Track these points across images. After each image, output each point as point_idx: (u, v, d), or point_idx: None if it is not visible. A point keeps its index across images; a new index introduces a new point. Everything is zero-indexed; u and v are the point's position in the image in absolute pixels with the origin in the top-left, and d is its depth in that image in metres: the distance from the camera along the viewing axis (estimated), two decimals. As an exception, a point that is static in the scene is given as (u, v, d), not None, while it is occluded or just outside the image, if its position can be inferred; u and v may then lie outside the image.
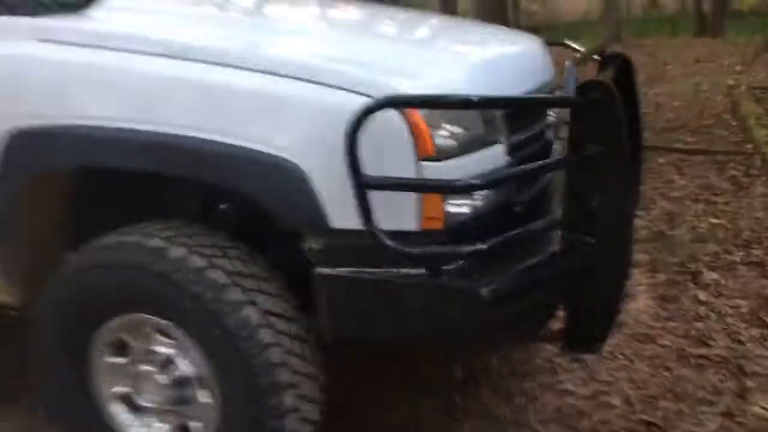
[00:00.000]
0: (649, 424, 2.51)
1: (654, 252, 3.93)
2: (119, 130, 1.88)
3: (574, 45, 2.74)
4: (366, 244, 1.74)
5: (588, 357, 2.84)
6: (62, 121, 1.93)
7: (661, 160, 5.73)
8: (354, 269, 1.80)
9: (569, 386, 2.74)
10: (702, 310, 3.30)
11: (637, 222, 3.94)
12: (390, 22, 2.66)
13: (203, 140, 1.78)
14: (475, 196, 1.86)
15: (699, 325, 3.16)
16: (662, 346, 3.01)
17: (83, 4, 2.12)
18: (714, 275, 3.65)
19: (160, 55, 1.91)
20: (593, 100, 1.82)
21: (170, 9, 2.34)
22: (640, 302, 3.41)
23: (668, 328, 3.15)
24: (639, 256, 3.81)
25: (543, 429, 2.51)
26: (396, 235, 1.72)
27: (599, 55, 2.48)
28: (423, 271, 1.77)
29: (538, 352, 2.94)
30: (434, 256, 1.76)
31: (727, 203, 4.70)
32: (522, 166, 1.94)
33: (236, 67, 1.82)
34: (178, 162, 1.84)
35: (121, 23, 2.08)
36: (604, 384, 2.76)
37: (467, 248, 1.74)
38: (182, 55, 1.87)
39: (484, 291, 1.75)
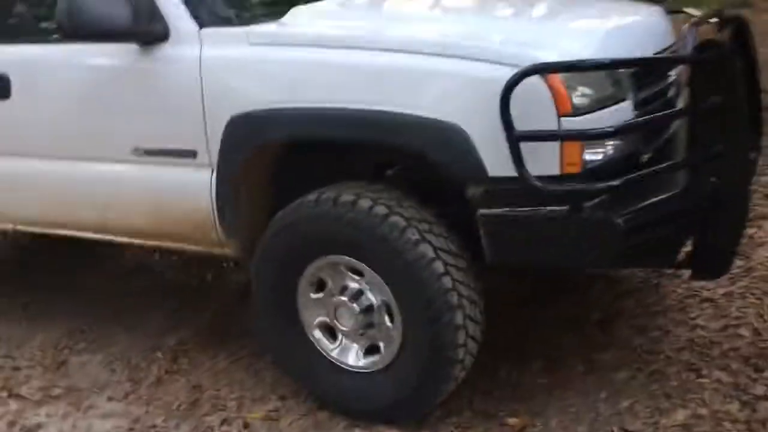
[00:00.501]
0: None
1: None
2: (319, 108, 2.40)
3: (691, 11, 3.02)
4: (517, 187, 2.17)
5: (718, 295, 3.11)
6: (273, 105, 2.47)
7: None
8: (508, 209, 2.22)
9: (700, 321, 3.02)
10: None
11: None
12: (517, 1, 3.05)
13: (386, 112, 2.26)
14: (606, 145, 2.23)
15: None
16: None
17: (275, 16, 2.67)
18: None
19: (347, 48, 2.42)
20: (708, 58, 2.15)
21: (342, 14, 2.86)
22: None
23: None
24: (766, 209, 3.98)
25: (676, 356, 2.82)
26: (541, 179, 2.14)
27: (717, 18, 2.76)
28: (565, 207, 2.16)
29: (669, 294, 3.24)
30: (574, 194, 2.15)
31: None
32: (645, 117, 2.29)
33: (409, 52, 2.29)
34: (366, 130, 2.34)
35: (310, 27, 2.61)
36: (734, 319, 3.02)
37: (601, 185, 2.13)
38: (367, 46, 2.37)
39: (619, 221, 2.13)
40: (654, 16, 2.83)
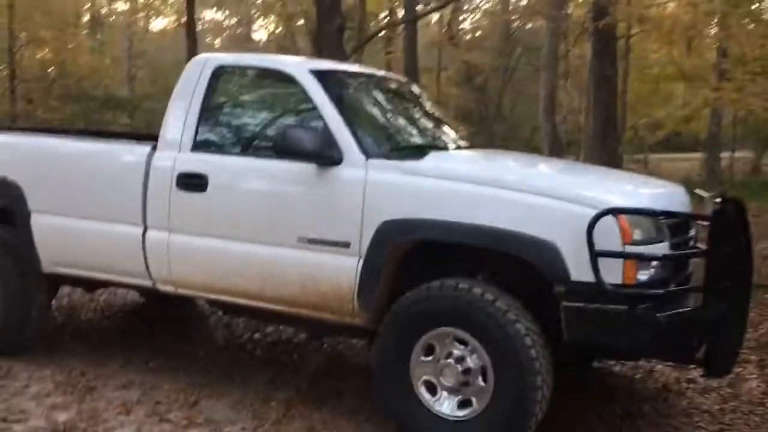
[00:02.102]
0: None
1: (760, 350, 5.12)
2: (444, 221, 3.46)
3: (701, 192, 4.22)
4: (592, 289, 3.18)
5: (714, 409, 4.05)
6: (413, 215, 3.53)
7: (767, 296, 6.88)
8: (584, 303, 3.23)
9: (702, 425, 3.95)
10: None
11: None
12: (583, 166, 4.24)
13: (505, 230, 3.32)
14: (651, 268, 3.28)
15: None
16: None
17: (420, 156, 3.80)
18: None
19: (470, 182, 3.52)
20: (726, 211, 3.26)
21: (464, 158, 4.03)
22: (753, 383, 4.59)
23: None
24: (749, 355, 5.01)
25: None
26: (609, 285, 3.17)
27: (720, 197, 3.91)
28: (625, 306, 3.18)
29: (677, 404, 4.18)
30: (632, 297, 3.17)
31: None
32: (677, 252, 3.37)
33: (520, 191, 3.40)
34: (486, 239, 3.38)
35: (445, 165, 3.75)
36: (726, 425, 3.95)
37: (650, 292, 3.16)
38: (488, 183, 3.48)
39: (661, 318, 3.14)
40: (678, 188, 4.00)
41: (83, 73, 19.82)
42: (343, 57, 9.75)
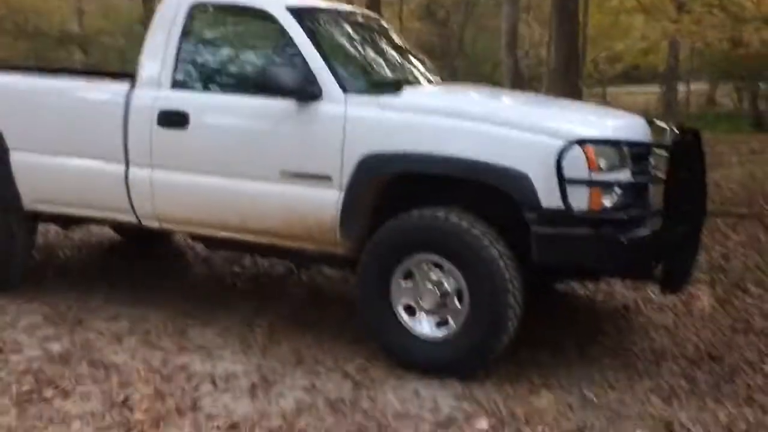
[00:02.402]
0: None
1: (711, 272, 5.50)
2: (422, 154, 3.63)
3: (661, 123, 4.45)
4: (560, 214, 3.42)
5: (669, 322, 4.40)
6: (392, 149, 3.69)
7: (718, 221, 7.27)
8: (554, 228, 3.46)
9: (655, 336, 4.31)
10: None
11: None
12: (550, 99, 4.43)
13: (478, 161, 3.51)
14: (614, 194, 3.52)
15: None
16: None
17: (396, 91, 3.94)
18: (755, 289, 5.18)
19: (445, 115, 3.69)
20: (684, 141, 3.50)
21: (439, 93, 4.17)
22: (704, 300, 4.96)
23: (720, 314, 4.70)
24: (702, 275, 5.38)
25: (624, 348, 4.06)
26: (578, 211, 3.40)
27: (678, 128, 4.16)
28: (590, 230, 3.42)
29: (635, 318, 4.53)
30: (598, 221, 3.43)
31: (770, 249, 6.23)
32: (639, 179, 3.62)
33: (495, 123, 3.58)
34: (463, 171, 3.57)
35: (421, 99, 3.90)
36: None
37: (615, 216, 3.41)
38: (459, 115, 3.65)
39: (623, 238, 3.40)
40: (639, 119, 4.23)
41: (31, 9, 19.19)
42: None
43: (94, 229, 6.31)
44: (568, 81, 14.07)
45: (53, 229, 5.95)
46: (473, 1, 27.09)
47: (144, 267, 5.58)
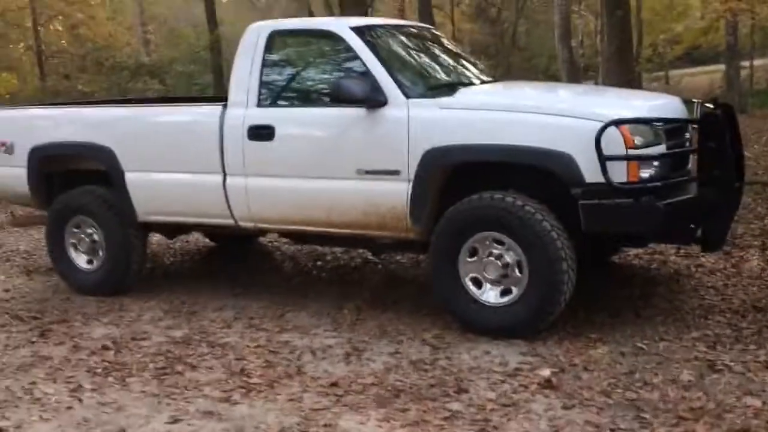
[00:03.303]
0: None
1: (762, 237, 5.83)
2: (477, 145, 4.18)
3: (695, 99, 4.86)
4: (603, 188, 3.90)
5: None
6: (451, 142, 4.24)
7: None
8: (598, 200, 3.95)
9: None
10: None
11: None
12: (591, 88, 4.90)
13: (530, 146, 4.03)
14: (652, 166, 3.98)
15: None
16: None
17: (451, 92, 4.50)
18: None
19: (496, 110, 4.23)
20: (712, 114, 3.95)
21: (490, 91, 4.73)
22: (754, 262, 5.31)
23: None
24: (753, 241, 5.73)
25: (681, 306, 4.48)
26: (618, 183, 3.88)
27: (713, 103, 4.56)
28: (631, 199, 3.90)
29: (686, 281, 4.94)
30: (636, 191, 3.89)
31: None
32: (670, 151, 4.06)
33: (541, 113, 4.09)
34: (517, 156, 4.10)
35: (474, 98, 4.46)
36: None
37: (651, 185, 3.87)
38: (513, 109, 4.18)
39: (660, 205, 3.86)
40: (674, 99, 4.66)
41: (103, 44, 20.56)
42: (364, 7, 10.31)
43: (190, 238, 7.10)
44: (623, 68, 14.25)
45: (155, 240, 6.73)
46: (524, -3, 27.32)
47: (238, 267, 6.29)
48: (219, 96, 5.39)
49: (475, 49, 23.92)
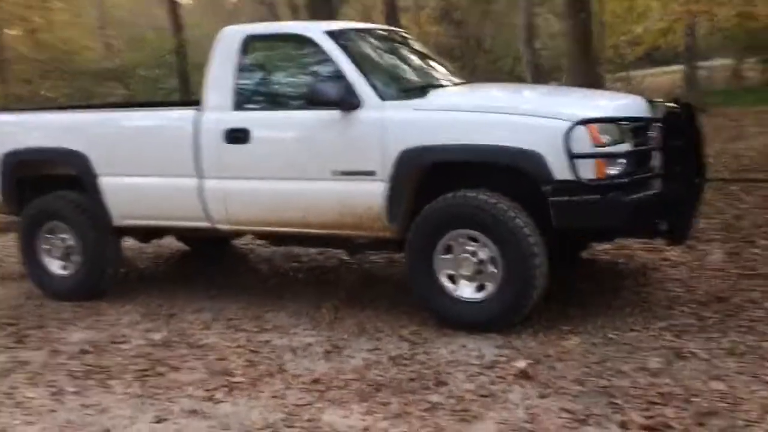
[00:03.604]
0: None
1: (723, 231, 6.05)
2: (451, 145, 4.29)
3: (658, 99, 5.05)
4: (572, 184, 4.04)
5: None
6: (425, 143, 4.35)
7: (733, 187, 7.79)
8: (567, 197, 4.09)
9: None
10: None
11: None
12: (558, 89, 5.06)
13: (499, 145, 4.16)
14: (618, 163, 4.14)
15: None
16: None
17: (424, 94, 4.61)
18: (764, 242, 5.73)
19: (468, 111, 4.35)
20: (674, 113, 4.12)
21: (461, 93, 4.85)
22: (716, 256, 5.52)
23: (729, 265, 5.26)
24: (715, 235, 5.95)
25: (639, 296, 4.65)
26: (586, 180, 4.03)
27: (674, 102, 4.75)
28: (599, 195, 4.05)
29: (651, 274, 5.12)
30: (603, 187, 4.05)
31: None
32: (637, 148, 4.23)
33: (510, 114, 4.23)
34: (486, 155, 4.22)
35: (446, 99, 4.57)
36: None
37: (617, 182, 4.03)
38: (483, 110, 4.30)
39: (627, 200, 4.02)
40: (638, 99, 4.83)
41: (64, 49, 20.26)
42: (331, 10, 10.40)
43: (163, 242, 7.10)
44: (586, 70, 14.56)
45: (129, 245, 6.71)
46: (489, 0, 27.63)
47: (214, 269, 6.33)
48: (190, 99, 5.42)
49: (440, 51, 24.04)
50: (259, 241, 6.73)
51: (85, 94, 16.42)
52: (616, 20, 24.13)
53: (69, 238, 5.54)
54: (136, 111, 5.64)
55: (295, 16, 24.86)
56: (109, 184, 5.31)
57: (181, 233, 6.23)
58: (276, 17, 26.22)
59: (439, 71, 5.58)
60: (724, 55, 25.81)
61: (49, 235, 5.61)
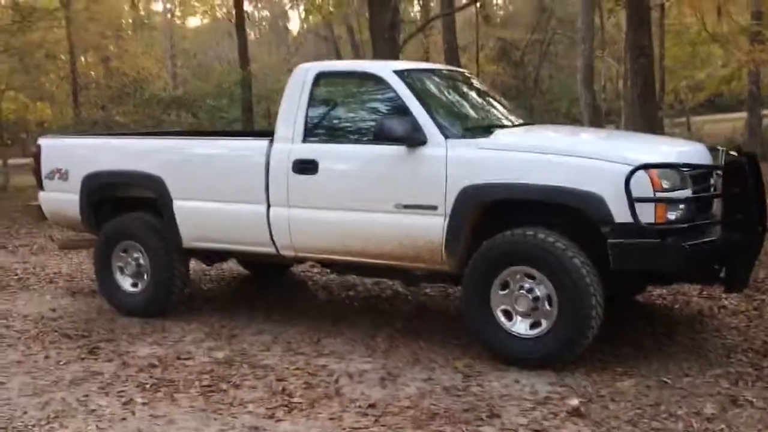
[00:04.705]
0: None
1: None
2: (512, 184, 4.43)
3: (719, 147, 5.10)
4: (632, 228, 4.12)
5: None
6: (488, 181, 4.50)
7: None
8: (626, 239, 4.16)
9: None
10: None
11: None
12: (619, 133, 5.15)
13: (562, 186, 4.27)
14: (678, 209, 4.20)
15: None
16: None
17: (487, 133, 4.78)
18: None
19: (531, 151, 4.49)
20: (735, 161, 4.18)
21: (523, 133, 5.01)
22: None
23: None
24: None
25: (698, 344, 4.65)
26: (646, 224, 4.11)
27: (737, 151, 4.79)
28: (657, 239, 4.11)
29: (707, 321, 5.11)
30: (663, 231, 4.11)
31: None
32: (697, 195, 4.29)
33: (573, 156, 4.35)
34: (547, 195, 4.34)
35: (509, 139, 4.73)
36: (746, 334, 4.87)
37: (676, 227, 4.09)
38: (543, 150, 4.44)
39: (685, 245, 4.07)
40: (700, 146, 4.90)
41: (135, 77, 21.22)
42: (395, 49, 10.70)
43: (225, 266, 7.37)
44: (646, 114, 14.47)
45: (192, 266, 6.99)
46: (547, 40, 27.80)
47: (274, 294, 6.54)
48: (264, 130, 5.69)
49: (497, 90, 24.31)
50: (316, 270, 6.99)
51: (154, 121, 17.14)
52: (678, 65, 23.98)
53: (141, 257, 5.84)
54: (212, 139, 5.94)
55: (355, 52, 25.48)
56: (182, 207, 5.60)
57: (245, 257, 6.47)
58: (338, 53, 26.88)
59: (501, 111, 5.74)
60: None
61: (123, 254, 5.92)
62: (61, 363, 4.87)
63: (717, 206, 4.49)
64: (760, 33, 14.43)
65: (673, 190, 4.23)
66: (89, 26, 21.61)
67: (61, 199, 6.13)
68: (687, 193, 4.29)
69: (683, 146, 4.91)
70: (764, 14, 15.08)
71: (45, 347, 5.21)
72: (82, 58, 26.57)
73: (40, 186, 6.33)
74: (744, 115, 22.58)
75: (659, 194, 4.16)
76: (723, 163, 4.53)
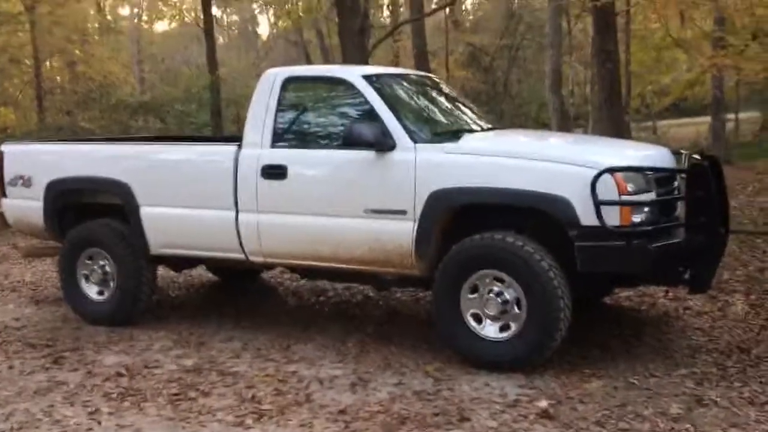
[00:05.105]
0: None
1: (747, 283, 6.10)
2: (481, 188, 4.45)
3: (683, 151, 5.18)
4: (597, 230, 4.17)
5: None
6: (457, 185, 4.52)
7: (758, 240, 7.84)
8: (593, 242, 4.21)
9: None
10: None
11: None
12: (585, 137, 5.21)
13: (528, 190, 4.31)
14: (642, 211, 4.26)
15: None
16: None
17: (456, 138, 4.80)
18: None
19: (500, 155, 4.52)
20: (698, 165, 4.26)
21: (491, 138, 5.03)
22: (738, 306, 5.58)
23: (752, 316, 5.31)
24: (738, 286, 6.00)
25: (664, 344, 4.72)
26: (611, 227, 4.16)
27: (699, 154, 4.88)
28: (623, 242, 4.17)
29: (673, 321, 5.18)
30: (628, 234, 4.17)
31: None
32: (661, 198, 4.35)
33: (540, 160, 4.39)
34: (515, 199, 4.37)
35: (477, 143, 4.75)
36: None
37: (641, 229, 4.15)
38: (512, 155, 4.47)
39: (651, 248, 4.13)
40: (664, 150, 4.97)
41: (102, 81, 20.94)
42: (364, 54, 10.71)
43: (194, 272, 7.30)
44: (612, 119, 14.68)
45: (160, 274, 6.91)
46: (516, 46, 28.07)
47: (243, 301, 6.49)
48: (234, 135, 5.65)
49: (467, 95, 24.43)
50: (286, 275, 6.95)
51: (121, 126, 16.92)
52: (643, 70, 24.36)
53: (107, 265, 5.76)
54: (180, 144, 5.88)
55: (325, 57, 25.44)
56: (149, 213, 5.53)
57: (214, 264, 6.41)
58: (307, 57, 26.81)
59: (470, 116, 5.77)
60: (752, 107, 25.89)
61: (88, 261, 5.83)
62: (25, 373, 4.77)
63: (681, 209, 4.56)
64: (722, 39, 14.69)
65: (638, 193, 4.29)
66: (54, 30, 21.28)
67: (24, 206, 6.03)
68: (651, 196, 4.35)
69: (648, 150, 4.99)
70: (726, 20, 15.39)
71: (8, 357, 5.11)
72: (47, 63, 26.17)
73: (2, 193, 6.21)
74: (708, 119, 23.04)
75: (624, 197, 4.21)
76: (686, 166, 4.61)
